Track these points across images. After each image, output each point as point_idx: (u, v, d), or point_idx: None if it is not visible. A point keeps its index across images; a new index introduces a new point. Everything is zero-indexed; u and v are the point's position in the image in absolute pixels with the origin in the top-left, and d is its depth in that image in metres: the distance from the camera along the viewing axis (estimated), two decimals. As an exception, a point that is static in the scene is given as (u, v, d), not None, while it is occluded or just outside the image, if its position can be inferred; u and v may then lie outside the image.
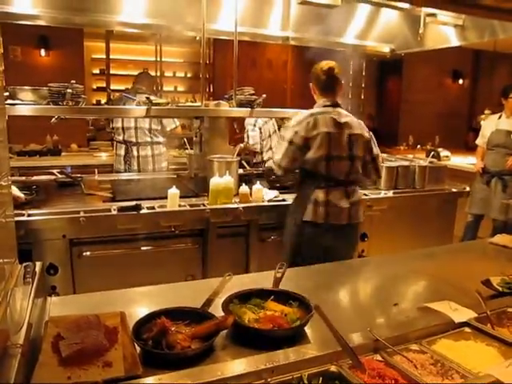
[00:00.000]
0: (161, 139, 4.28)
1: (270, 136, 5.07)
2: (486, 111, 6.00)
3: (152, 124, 4.17)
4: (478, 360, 1.23)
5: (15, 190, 2.48)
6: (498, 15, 2.95)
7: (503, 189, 4.51)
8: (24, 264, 1.49)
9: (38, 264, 1.53)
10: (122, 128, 4.15)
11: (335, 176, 2.58)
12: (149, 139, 4.18)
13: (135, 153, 4.16)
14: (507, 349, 1.28)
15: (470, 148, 6.43)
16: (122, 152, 4.18)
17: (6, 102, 2.48)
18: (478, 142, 4.91)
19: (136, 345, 1.21)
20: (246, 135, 5.02)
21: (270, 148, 5.08)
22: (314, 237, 2.57)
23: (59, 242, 2.52)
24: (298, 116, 2.63)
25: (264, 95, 3.28)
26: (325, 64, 2.64)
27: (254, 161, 5.09)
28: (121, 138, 4.18)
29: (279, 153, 2.62)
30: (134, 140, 4.15)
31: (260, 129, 5.01)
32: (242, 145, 4.79)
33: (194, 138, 3.52)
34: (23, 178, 3.57)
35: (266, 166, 4.81)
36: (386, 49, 4.44)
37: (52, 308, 1.48)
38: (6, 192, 1.39)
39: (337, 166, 2.56)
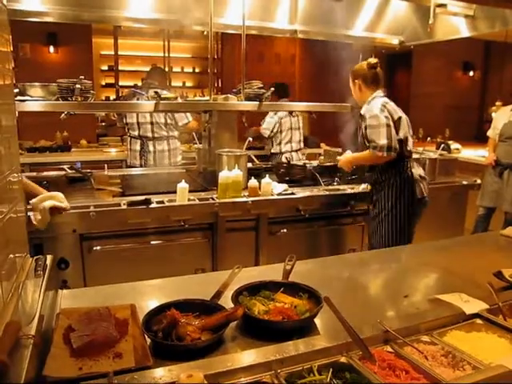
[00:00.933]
0: (176, 133, 4.29)
1: (290, 129, 5.08)
2: (498, 103, 5.93)
3: (167, 119, 4.18)
4: (489, 351, 1.22)
5: (59, 198, 2.13)
6: (509, 4, 2.90)
7: None
8: (35, 257, 1.50)
9: (49, 257, 1.54)
10: (137, 123, 4.16)
11: (411, 153, 2.95)
12: (165, 133, 4.20)
13: (151, 148, 4.18)
14: (520, 340, 1.27)
15: (482, 140, 6.36)
16: (138, 147, 4.20)
17: (16, 99, 2.49)
18: (490, 134, 4.85)
19: (146, 336, 1.22)
20: (263, 120, 5.13)
21: (290, 141, 5.10)
22: (422, 210, 2.96)
23: (70, 237, 2.54)
24: (373, 107, 2.83)
25: (272, 88, 3.27)
26: (369, 60, 2.94)
27: (273, 151, 5.17)
28: (136, 133, 4.19)
29: (383, 138, 2.73)
30: (150, 135, 4.16)
31: (281, 119, 5.05)
32: (250, 139, 4.82)
33: (203, 133, 3.52)
34: (34, 173, 3.60)
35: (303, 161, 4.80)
36: (394, 41, 4.40)
37: (63, 301, 1.50)
38: (17, 188, 1.40)
39: (410, 144, 2.93)
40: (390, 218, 2.86)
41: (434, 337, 1.28)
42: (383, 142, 2.72)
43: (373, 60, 2.93)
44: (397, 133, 2.80)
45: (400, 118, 2.84)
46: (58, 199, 2.13)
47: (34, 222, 2.04)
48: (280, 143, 5.12)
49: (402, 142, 2.82)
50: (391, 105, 2.87)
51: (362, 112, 2.90)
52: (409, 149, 2.89)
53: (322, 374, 1.11)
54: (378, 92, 2.92)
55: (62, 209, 2.14)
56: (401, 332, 1.26)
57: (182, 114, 4.21)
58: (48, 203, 2.07)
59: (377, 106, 2.82)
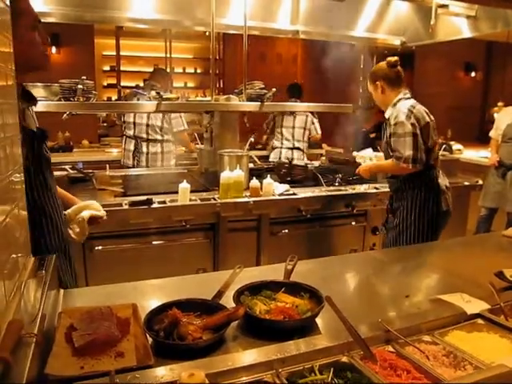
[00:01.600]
0: (171, 137, 4.29)
1: (281, 127, 5.10)
2: (500, 103, 5.93)
3: (164, 123, 4.18)
4: (491, 351, 1.22)
5: (96, 206, 1.99)
6: (511, 4, 2.90)
7: None
8: (37, 257, 1.50)
9: (51, 257, 1.55)
10: (134, 123, 4.16)
11: (438, 162, 2.74)
12: (159, 137, 4.19)
13: (144, 149, 4.17)
14: (521, 340, 1.27)
15: (484, 140, 6.35)
16: (132, 147, 4.20)
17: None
18: (492, 134, 4.85)
19: (148, 336, 1.22)
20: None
21: (281, 139, 5.11)
22: (445, 223, 2.74)
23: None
24: (400, 111, 2.61)
25: (274, 89, 3.27)
26: (389, 59, 2.68)
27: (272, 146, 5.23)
28: (131, 132, 4.19)
29: (408, 148, 2.53)
30: (144, 136, 4.16)
31: (274, 116, 5.11)
32: (252, 139, 4.82)
33: (205, 133, 3.53)
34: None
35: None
36: (396, 41, 4.40)
37: (64, 300, 1.50)
38: (19, 188, 1.40)
39: (437, 152, 2.74)
40: (413, 229, 2.65)
41: (436, 337, 1.28)
42: (408, 152, 2.53)
43: (393, 58, 2.69)
44: (424, 141, 2.59)
45: (428, 123, 2.63)
46: (94, 208, 1.97)
47: (73, 236, 1.88)
48: (273, 139, 5.19)
49: (430, 151, 2.64)
50: (418, 108, 2.65)
51: (387, 115, 2.70)
52: (435, 157, 2.71)
53: (324, 373, 1.11)
54: (402, 93, 2.69)
55: (100, 218, 1.98)
56: (402, 332, 1.26)
57: (179, 119, 4.20)
58: (86, 213, 1.91)
59: (403, 111, 2.60)
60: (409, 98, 2.70)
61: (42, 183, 1.68)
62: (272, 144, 5.24)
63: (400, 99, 2.68)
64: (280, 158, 4.97)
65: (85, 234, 1.91)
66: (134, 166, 4.16)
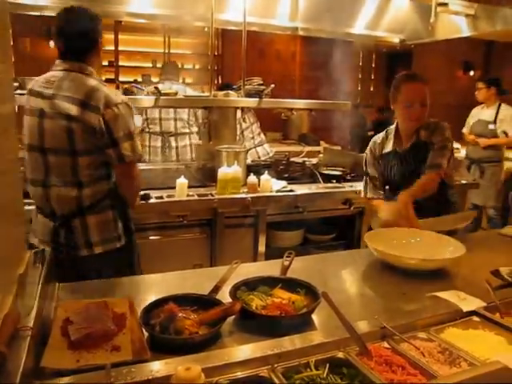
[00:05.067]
0: (196, 129, 4.25)
1: (251, 124, 4.94)
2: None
3: (190, 115, 4.16)
4: (486, 349, 1.22)
5: None
6: (511, 4, 2.91)
7: (480, 175, 4.85)
8: (33, 250, 1.50)
9: (47, 250, 1.54)
10: (160, 118, 4.13)
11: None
12: (187, 130, 4.17)
13: (173, 143, 4.15)
14: (516, 338, 1.27)
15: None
16: (158, 143, 4.16)
17: (16, 92, 2.48)
18: (464, 131, 5.24)
19: (144, 330, 1.22)
20: None
21: (253, 137, 4.94)
22: None
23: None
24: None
25: (272, 85, 3.26)
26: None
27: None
28: (157, 128, 4.15)
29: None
30: (172, 131, 4.13)
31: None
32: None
33: (203, 129, 3.52)
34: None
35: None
36: (395, 39, 4.38)
37: (61, 294, 1.50)
38: (16, 182, 1.40)
39: None
40: None
41: (431, 333, 1.29)
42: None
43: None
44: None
45: None
46: None
47: None
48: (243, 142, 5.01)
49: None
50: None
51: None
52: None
53: (319, 369, 1.12)
54: None
55: None
56: (398, 328, 1.26)
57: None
58: None
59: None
60: None
61: None
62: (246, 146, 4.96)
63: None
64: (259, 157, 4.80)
65: None
66: (162, 162, 4.13)
